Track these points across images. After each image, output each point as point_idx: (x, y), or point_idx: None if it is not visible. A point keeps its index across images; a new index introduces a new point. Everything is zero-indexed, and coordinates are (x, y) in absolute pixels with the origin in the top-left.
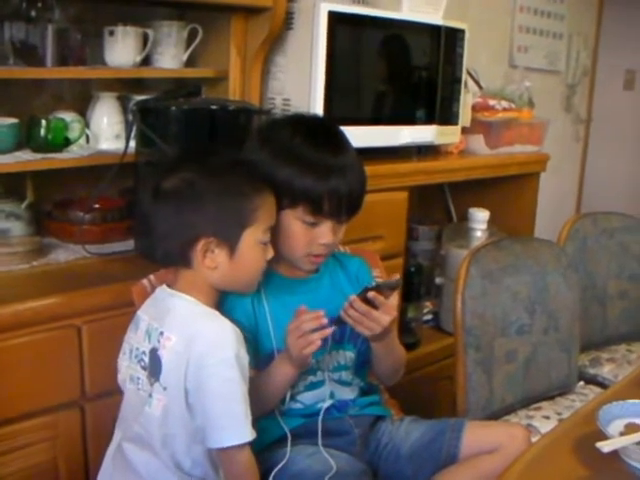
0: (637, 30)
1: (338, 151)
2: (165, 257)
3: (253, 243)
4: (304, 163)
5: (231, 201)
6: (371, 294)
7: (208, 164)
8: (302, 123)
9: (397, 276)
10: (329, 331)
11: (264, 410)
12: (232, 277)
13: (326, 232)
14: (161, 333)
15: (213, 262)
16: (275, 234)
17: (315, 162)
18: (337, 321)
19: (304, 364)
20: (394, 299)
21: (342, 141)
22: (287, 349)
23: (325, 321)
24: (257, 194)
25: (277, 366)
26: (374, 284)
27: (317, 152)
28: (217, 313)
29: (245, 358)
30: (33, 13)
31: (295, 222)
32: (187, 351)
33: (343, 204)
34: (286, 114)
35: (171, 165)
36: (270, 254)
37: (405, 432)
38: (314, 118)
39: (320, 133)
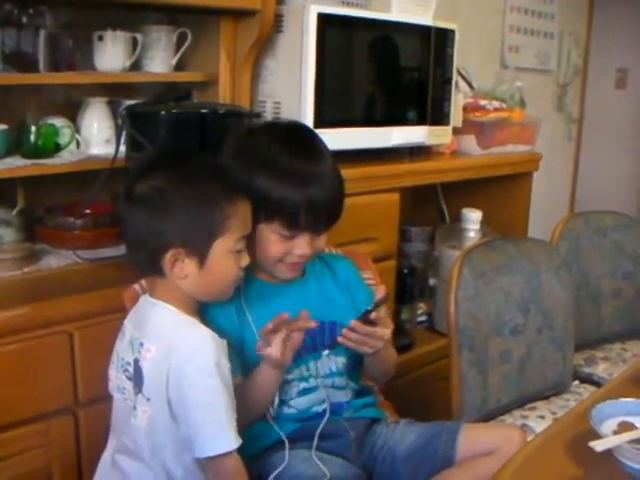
0: (628, 28)
1: (315, 158)
2: (137, 265)
3: (224, 252)
4: (281, 172)
5: (201, 210)
6: (374, 315)
7: (180, 170)
8: (278, 131)
9: (383, 288)
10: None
11: (253, 417)
12: (204, 286)
13: (302, 244)
14: (141, 344)
15: (183, 272)
16: (251, 244)
17: (292, 170)
18: (332, 346)
19: (279, 364)
20: (383, 311)
21: (319, 148)
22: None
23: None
24: (229, 202)
25: (259, 370)
26: (372, 305)
27: (294, 160)
28: (196, 321)
29: (226, 366)
30: (24, 19)
31: (271, 235)
32: (166, 361)
33: (320, 215)
34: (262, 122)
35: (143, 169)
36: (245, 261)
37: (401, 434)
38: (290, 125)
39: (297, 140)
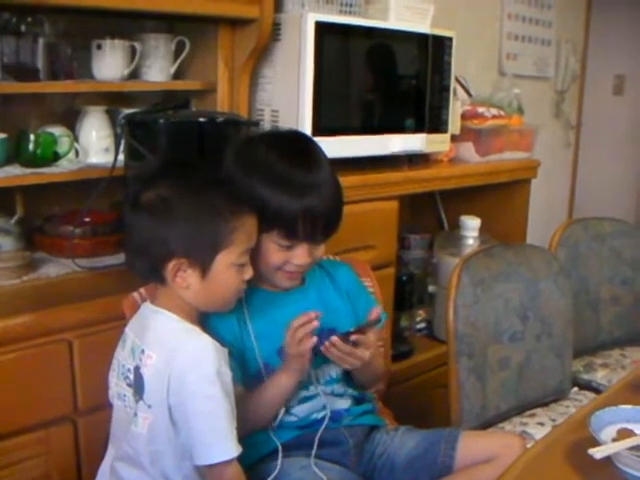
0: (625, 35)
1: (313, 167)
2: (138, 273)
3: (227, 265)
4: (278, 181)
5: (205, 222)
6: (354, 337)
7: (187, 181)
8: (276, 139)
9: (379, 310)
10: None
11: (258, 427)
12: (205, 297)
13: (301, 254)
14: (142, 351)
15: (184, 281)
16: (253, 254)
17: (289, 179)
18: (319, 352)
19: (302, 367)
20: (372, 334)
21: (317, 157)
22: (285, 355)
23: (315, 322)
24: (235, 216)
25: (273, 378)
26: (355, 328)
27: (291, 169)
28: (197, 329)
29: (227, 374)
30: (23, 28)
31: (270, 245)
32: (168, 368)
33: (318, 224)
34: (261, 131)
35: (151, 177)
36: (248, 274)
37: (400, 442)
38: (289, 134)
39: (295, 149)
